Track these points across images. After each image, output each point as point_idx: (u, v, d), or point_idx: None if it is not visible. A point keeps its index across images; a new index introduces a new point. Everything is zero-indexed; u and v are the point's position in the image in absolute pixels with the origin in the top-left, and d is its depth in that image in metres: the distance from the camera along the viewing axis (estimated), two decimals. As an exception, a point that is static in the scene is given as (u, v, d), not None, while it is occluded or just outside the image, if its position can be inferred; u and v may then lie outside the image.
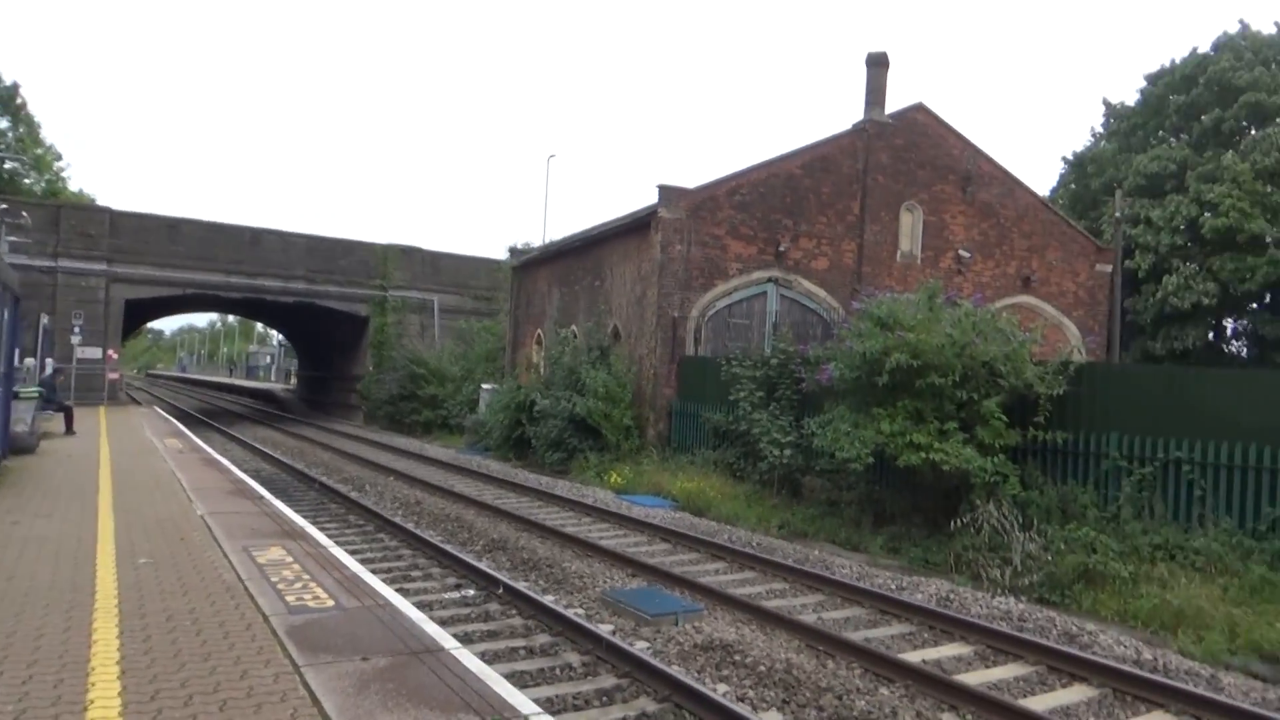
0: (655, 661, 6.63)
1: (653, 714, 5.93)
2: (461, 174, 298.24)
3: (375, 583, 6.76)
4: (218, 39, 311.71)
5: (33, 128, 44.57)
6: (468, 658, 5.07)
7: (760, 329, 19.93)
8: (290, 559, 7.39)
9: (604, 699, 6.18)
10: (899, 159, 21.48)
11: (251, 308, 45.51)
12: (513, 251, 31.46)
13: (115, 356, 30.96)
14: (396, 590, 7.24)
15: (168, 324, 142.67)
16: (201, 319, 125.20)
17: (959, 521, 10.73)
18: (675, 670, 6.50)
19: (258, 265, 33.53)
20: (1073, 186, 40.95)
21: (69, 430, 18.51)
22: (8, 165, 40.18)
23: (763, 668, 6.86)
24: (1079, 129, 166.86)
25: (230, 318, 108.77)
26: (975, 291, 22.27)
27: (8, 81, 42.70)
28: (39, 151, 44.64)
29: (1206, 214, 30.97)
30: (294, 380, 66.05)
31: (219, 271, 32.77)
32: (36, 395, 15.48)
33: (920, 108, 21.98)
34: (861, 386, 11.63)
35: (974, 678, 6.95)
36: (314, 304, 34.77)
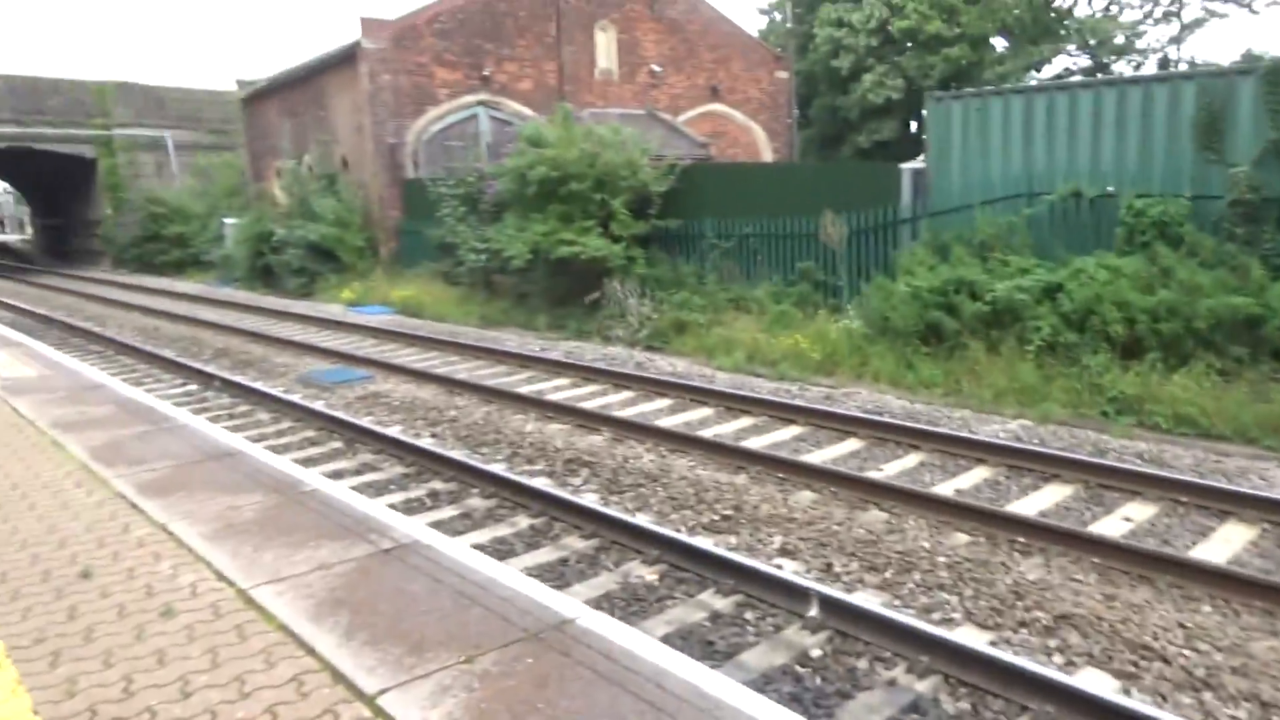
0: (323, 409, 8.94)
1: (314, 438, 8.27)
2: (176, 5, 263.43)
3: (77, 363, 8.51)
4: None
5: None
6: (162, 405, 7.06)
7: (475, 149, 21.48)
8: (8, 358, 9.05)
9: (283, 434, 8.45)
10: (590, -19, 22.91)
11: (-40, 156, 41.24)
12: (240, 84, 30.57)
13: None
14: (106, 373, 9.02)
15: None
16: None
17: (600, 298, 13.49)
18: (336, 412, 8.84)
19: (-45, 110, 30.68)
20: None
21: None
22: None
23: (398, 404, 9.36)
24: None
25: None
26: (669, 103, 24.96)
27: None
28: None
29: (894, 16, 34.77)
30: (30, 230, 60.52)
31: (-89, 119, 29.82)
32: None
33: (604, -69, 23.28)
34: (519, 197, 13.85)
35: (558, 395, 9.77)
36: (30, 148, 32.39)
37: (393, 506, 5.95)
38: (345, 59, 21.19)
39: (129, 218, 32.39)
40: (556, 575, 5.33)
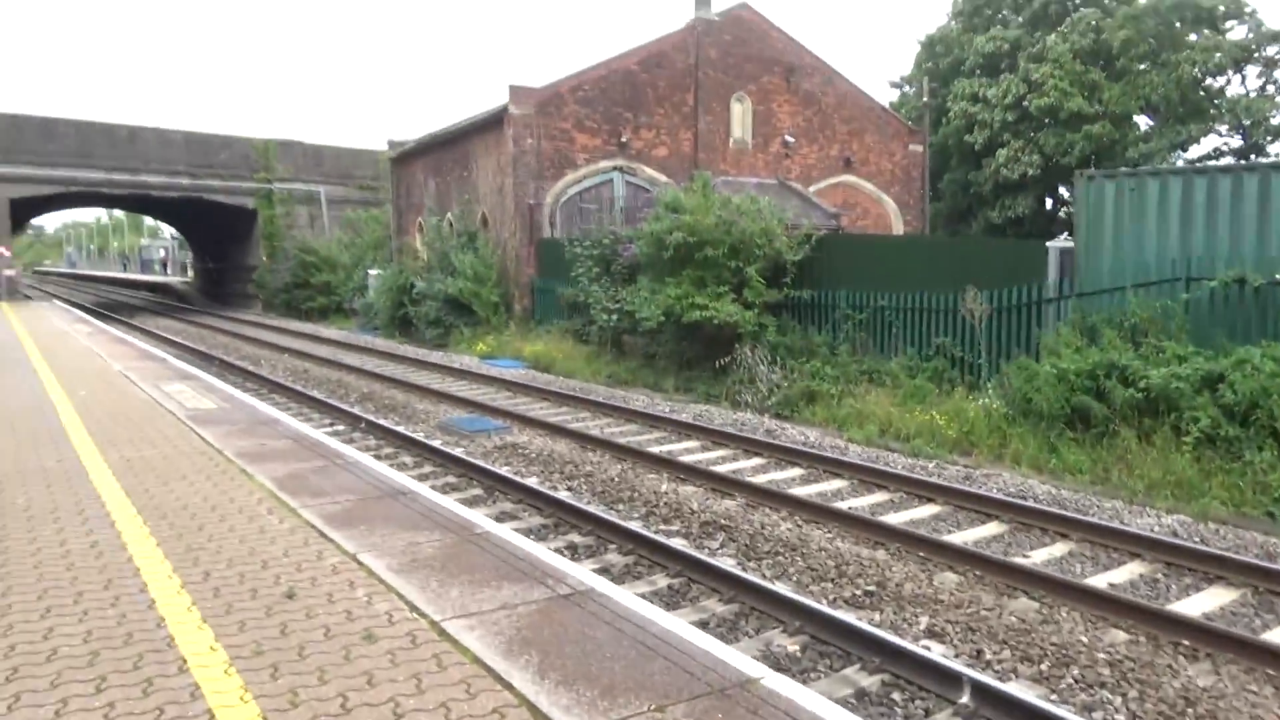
0: (463, 455, 9.36)
1: (455, 484, 8.66)
2: (336, 69, 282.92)
3: (250, 398, 9.20)
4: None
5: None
6: (332, 442, 7.57)
7: (609, 212, 22.23)
8: (189, 390, 9.83)
9: (425, 478, 8.87)
10: (727, 54, 23.63)
11: (138, 203, 45.26)
12: (391, 144, 32.65)
13: (8, 254, 31.41)
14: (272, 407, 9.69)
15: (47, 220, 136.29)
16: (88, 215, 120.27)
17: (729, 363, 13.68)
18: (476, 460, 9.23)
19: (138, 161, 33.86)
20: (927, 65, 43.84)
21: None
22: None
23: (534, 456, 9.70)
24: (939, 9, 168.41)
25: (118, 212, 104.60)
26: (801, 173, 25.26)
27: None
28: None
29: (1033, 93, 34.32)
30: (191, 273, 65.57)
31: (99, 169, 33.04)
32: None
33: (745, 6, 24.04)
34: (655, 260, 14.27)
35: (689, 457, 9.92)
36: (200, 198, 35.37)
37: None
38: (492, 123, 22.44)
39: (282, 265, 34.83)
40: (701, 636, 5.42)
